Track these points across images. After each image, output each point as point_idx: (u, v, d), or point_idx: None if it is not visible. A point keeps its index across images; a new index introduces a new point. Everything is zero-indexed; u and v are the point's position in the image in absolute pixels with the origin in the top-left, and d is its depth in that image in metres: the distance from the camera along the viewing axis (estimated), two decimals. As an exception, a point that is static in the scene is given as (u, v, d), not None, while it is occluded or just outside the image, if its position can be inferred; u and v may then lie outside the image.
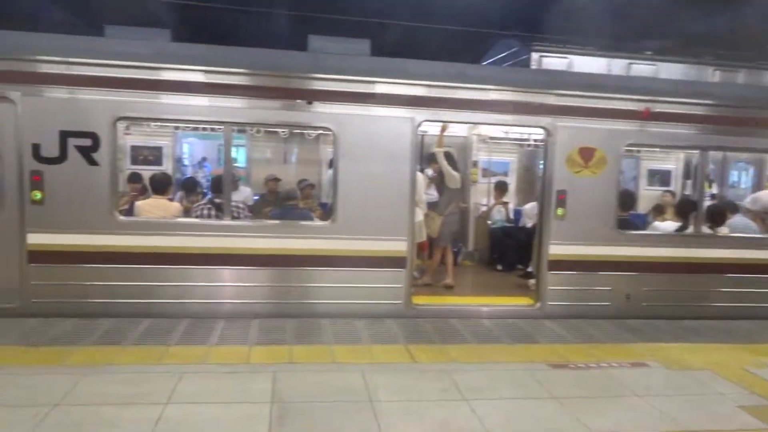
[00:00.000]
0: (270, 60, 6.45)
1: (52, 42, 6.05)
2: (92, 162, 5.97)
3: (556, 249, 6.79)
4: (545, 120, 6.73)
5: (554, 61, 7.76)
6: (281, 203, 7.47)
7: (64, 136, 5.90)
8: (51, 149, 5.89)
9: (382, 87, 6.44)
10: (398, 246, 6.49)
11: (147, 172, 8.50)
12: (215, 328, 5.84)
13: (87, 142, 5.93)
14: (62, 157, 5.91)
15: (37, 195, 5.90)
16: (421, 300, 6.81)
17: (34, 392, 4.23)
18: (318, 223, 6.84)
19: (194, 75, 6.13)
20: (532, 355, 5.50)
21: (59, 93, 5.89)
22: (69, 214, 5.97)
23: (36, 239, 5.94)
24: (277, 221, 6.66)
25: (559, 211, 6.74)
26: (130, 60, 5.97)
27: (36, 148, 5.86)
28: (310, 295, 6.41)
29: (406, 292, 6.54)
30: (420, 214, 7.59)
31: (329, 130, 6.42)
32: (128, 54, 5.99)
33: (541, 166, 7.37)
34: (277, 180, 8.74)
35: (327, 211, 7.35)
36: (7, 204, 5.94)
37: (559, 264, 6.81)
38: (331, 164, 6.96)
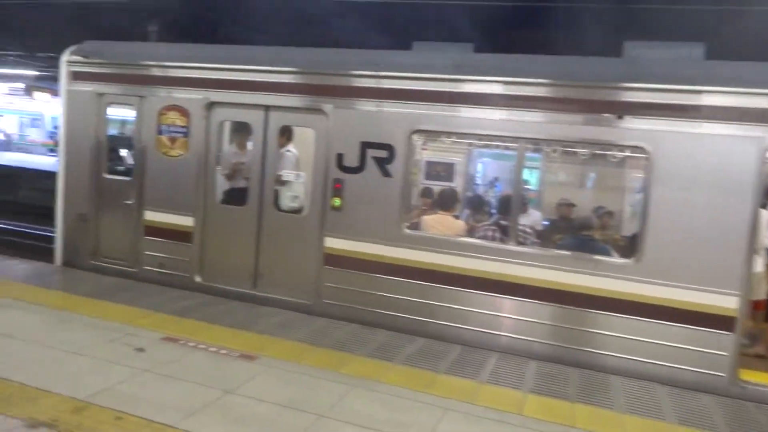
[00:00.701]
0: (574, 69, 5.72)
1: (362, 57, 6.35)
2: (386, 173, 6.05)
3: None
4: None
5: None
6: (574, 232, 6.59)
7: (365, 147, 6.10)
8: (352, 159, 6.15)
9: (717, 98, 5.12)
10: (725, 301, 5.04)
11: (438, 188, 8.51)
12: (488, 361, 5.33)
13: (383, 153, 6.04)
14: (361, 167, 6.13)
15: (337, 202, 6.23)
16: (754, 377, 5.18)
17: (309, 396, 4.28)
18: (617, 260, 5.75)
19: (490, 87, 5.77)
20: None
21: (364, 106, 6.12)
22: (361, 223, 6.16)
23: (331, 243, 6.28)
24: (567, 252, 5.83)
25: None
26: (428, 72, 5.90)
27: (340, 157, 6.19)
28: (599, 344, 5.42)
29: (731, 363, 5.04)
30: (760, 264, 5.87)
31: (642, 149, 5.36)
32: (426, 66, 5.93)
33: None
34: (571, 205, 7.84)
35: (629, 247, 6.20)
36: (313, 207, 6.41)
37: None
38: (640, 191, 5.85)
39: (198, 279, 6.87)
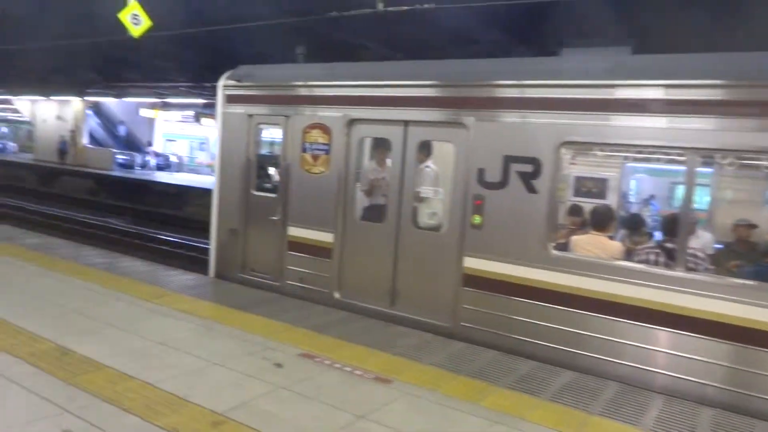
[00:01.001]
0: (757, 66, 4.89)
1: (504, 66, 6.00)
2: (531, 189, 5.61)
3: None
4: None
5: None
6: (758, 258, 5.62)
7: (508, 161, 5.72)
8: (494, 174, 5.79)
9: None
10: None
11: (588, 205, 7.82)
12: (649, 404, 4.64)
13: (528, 168, 5.61)
14: (503, 183, 5.75)
15: (477, 219, 5.90)
16: None
17: (445, 429, 3.99)
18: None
19: (651, 91, 5.12)
20: None
21: (507, 117, 5.75)
22: (503, 242, 5.76)
23: (471, 263, 5.94)
24: (749, 281, 4.94)
25: None
26: (578, 78, 5.39)
27: (481, 172, 5.86)
28: (796, 395, 4.50)
29: None
30: None
31: None
32: (576, 72, 5.43)
33: None
34: (752, 226, 6.74)
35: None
36: (451, 225, 6.13)
37: None
38: None
39: (337, 295, 6.88)
